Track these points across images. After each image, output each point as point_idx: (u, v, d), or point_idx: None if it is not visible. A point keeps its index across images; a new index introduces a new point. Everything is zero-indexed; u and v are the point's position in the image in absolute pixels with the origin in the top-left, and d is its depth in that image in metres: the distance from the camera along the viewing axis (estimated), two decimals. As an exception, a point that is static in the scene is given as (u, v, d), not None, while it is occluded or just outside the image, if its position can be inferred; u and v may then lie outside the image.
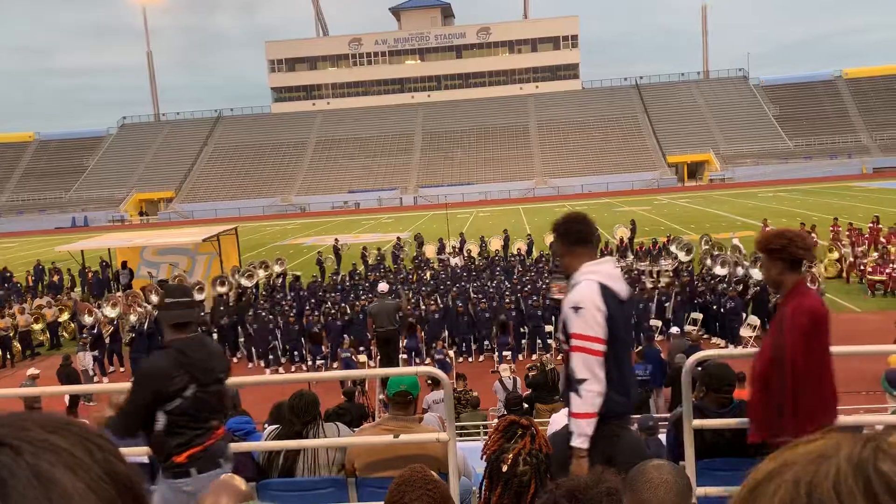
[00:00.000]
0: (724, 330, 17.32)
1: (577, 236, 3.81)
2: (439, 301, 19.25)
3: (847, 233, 26.92)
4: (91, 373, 17.52)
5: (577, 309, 3.59)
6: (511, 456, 2.19)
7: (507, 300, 18.65)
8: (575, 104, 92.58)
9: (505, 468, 2.18)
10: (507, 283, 21.51)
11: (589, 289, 3.62)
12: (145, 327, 18.75)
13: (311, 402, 4.76)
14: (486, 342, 18.23)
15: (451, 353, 17.40)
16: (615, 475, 1.64)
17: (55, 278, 29.98)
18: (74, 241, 33.14)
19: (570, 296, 3.71)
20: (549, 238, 29.82)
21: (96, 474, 0.59)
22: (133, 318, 18.41)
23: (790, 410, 3.69)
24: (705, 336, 17.43)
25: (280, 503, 4.32)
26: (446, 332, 18.38)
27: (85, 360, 17.27)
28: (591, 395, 3.50)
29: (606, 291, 3.62)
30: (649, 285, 20.10)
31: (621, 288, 3.74)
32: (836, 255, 24.24)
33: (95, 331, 17.83)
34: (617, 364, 3.63)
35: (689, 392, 4.22)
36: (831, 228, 27.36)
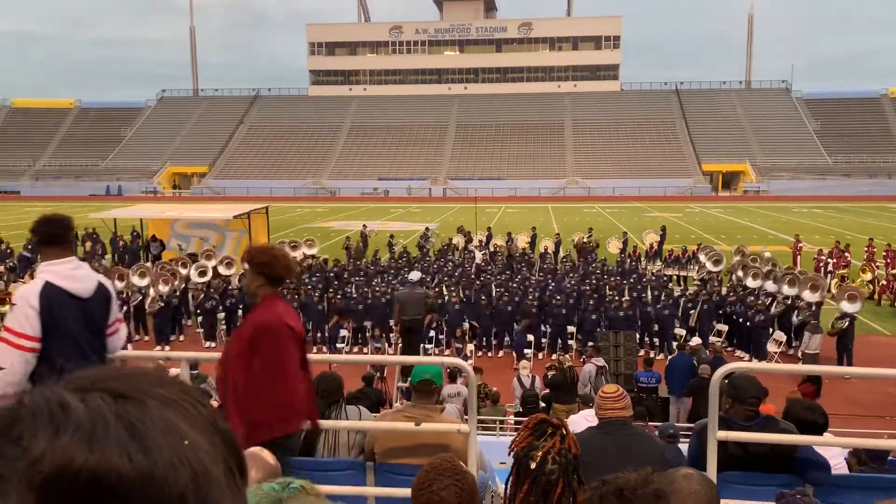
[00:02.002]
0: (751, 343, 17.09)
1: (44, 237, 3.98)
2: (461, 293, 19.26)
3: (884, 254, 26.40)
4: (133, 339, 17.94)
5: (12, 305, 3.83)
6: (540, 454, 2.18)
7: (531, 297, 18.59)
8: (612, 105, 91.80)
9: (533, 466, 2.17)
10: (531, 279, 21.43)
11: (30, 287, 3.85)
12: (174, 299, 19.01)
13: (336, 384, 4.79)
14: (507, 338, 18.19)
15: (472, 346, 17.41)
16: (661, 476, 1.63)
17: (87, 244, 30.45)
18: (107, 209, 33.63)
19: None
20: (577, 237, 29.70)
21: (207, 428, 0.61)
22: (164, 288, 18.65)
23: (235, 420, 3.79)
24: (729, 348, 17.23)
25: (298, 482, 4.34)
26: (466, 325, 18.38)
27: None
28: (2, 382, 3.71)
29: (52, 290, 3.80)
30: (676, 293, 19.92)
31: (80, 287, 3.91)
32: (868, 276, 23.80)
33: (124, 296, 18.11)
34: (64, 358, 3.79)
35: (716, 403, 4.17)
36: (866, 249, 26.85)
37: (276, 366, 3.96)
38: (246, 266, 4.09)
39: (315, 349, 17.96)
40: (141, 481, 0.54)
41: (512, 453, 2.27)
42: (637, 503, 1.52)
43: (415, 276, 16.12)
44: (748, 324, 17.09)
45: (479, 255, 26.64)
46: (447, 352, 17.31)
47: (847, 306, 16.12)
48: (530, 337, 17.18)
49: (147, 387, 0.60)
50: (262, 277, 4.00)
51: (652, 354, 16.63)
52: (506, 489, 2.23)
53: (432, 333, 17.57)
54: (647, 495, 1.52)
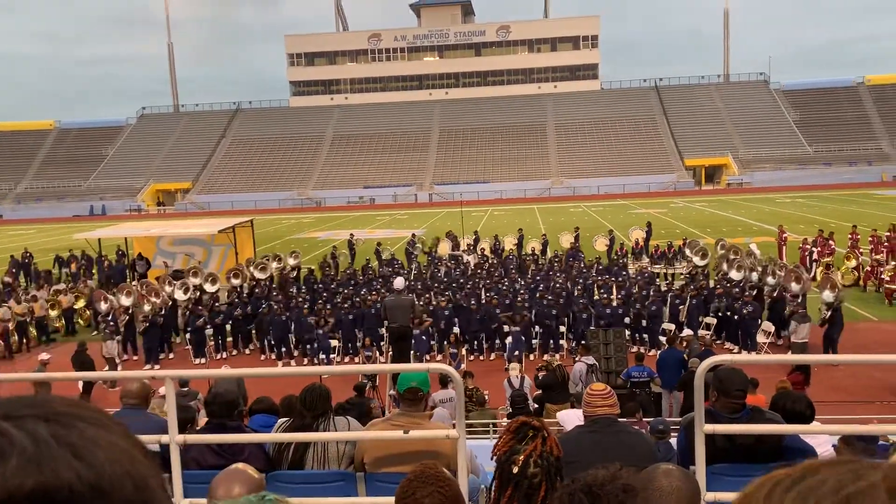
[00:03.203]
0: (741, 335, 17.18)
1: None
2: (452, 298, 19.25)
3: (870, 239, 26.66)
4: (117, 360, 17.77)
5: None
6: (522, 458, 2.18)
7: (520, 299, 18.60)
8: (593, 104, 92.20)
9: (516, 469, 2.17)
10: (520, 281, 21.46)
11: None
12: (159, 317, 18.89)
13: (323, 395, 4.78)
14: (497, 341, 18.19)
15: (463, 350, 17.39)
16: (630, 472, 1.64)
17: (72, 266, 30.25)
18: (92, 229, 33.39)
19: None
20: (565, 238, 29.79)
21: (136, 444, 0.66)
22: (147, 307, 18.54)
23: None
24: (718, 341, 17.32)
25: (289, 495, 4.33)
26: (457, 329, 18.37)
27: (111, 348, 17.42)
28: None
29: None
30: (664, 288, 20.00)
31: None
32: (853, 263, 24.01)
33: (110, 318, 17.99)
34: None
35: (701, 396, 4.18)
36: (850, 236, 27.09)
37: None
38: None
39: (306, 361, 17.90)
40: (90, 494, 0.57)
41: (494, 458, 2.27)
42: (605, 499, 1.53)
43: (399, 283, 16.08)
44: (736, 317, 17.17)
45: (468, 259, 26.64)
46: (439, 357, 17.28)
47: (828, 296, 16.22)
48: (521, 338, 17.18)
49: (69, 409, 0.63)
50: None
51: (642, 350, 16.70)
52: (488, 494, 2.24)
53: (424, 338, 17.55)
54: (615, 491, 1.53)
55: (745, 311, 17.01)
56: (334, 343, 17.86)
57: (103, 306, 18.40)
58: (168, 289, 20.29)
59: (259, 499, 1.47)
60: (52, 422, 0.61)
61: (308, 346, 18.08)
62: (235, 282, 21.21)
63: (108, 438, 0.62)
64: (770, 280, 17.76)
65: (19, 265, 30.92)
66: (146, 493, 0.61)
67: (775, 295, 17.66)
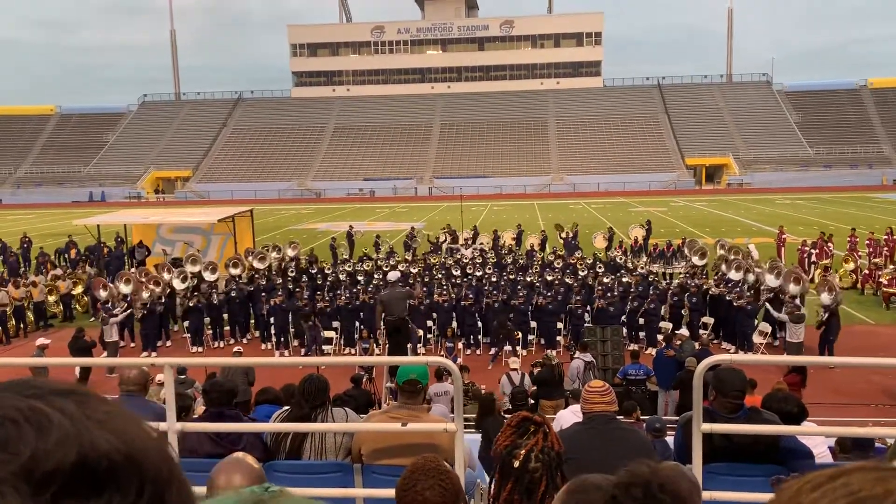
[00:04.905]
0: (737, 335, 17.21)
1: None
2: (450, 291, 19.23)
3: (868, 242, 26.66)
4: (120, 344, 17.99)
5: None
6: (523, 452, 2.19)
7: (519, 294, 18.60)
8: (595, 101, 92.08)
9: (517, 464, 2.17)
10: (520, 277, 21.41)
11: None
12: (158, 305, 18.89)
13: (321, 386, 4.78)
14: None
15: (460, 345, 17.41)
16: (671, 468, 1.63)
17: (72, 252, 30.22)
18: (91, 215, 33.35)
19: None
20: (598, 241, 29.70)
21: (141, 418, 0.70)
22: (146, 295, 18.52)
23: None
24: (715, 340, 17.33)
25: (286, 485, 4.33)
26: (455, 324, 18.36)
27: (112, 333, 17.42)
28: None
29: None
30: (662, 286, 20.00)
31: None
32: (851, 265, 24.02)
33: (110, 305, 17.98)
34: None
35: (699, 395, 4.19)
36: (848, 239, 27.11)
37: None
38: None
39: (303, 352, 17.89)
40: (125, 463, 0.60)
41: (494, 452, 2.27)
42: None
43: (394, 275, 16.10)
44: (735, 304, 17.19)
45: (466, 253, 26.60)
46: (442, 352, 17.27)
47: (825, 298, 16.21)
48: (517, 333, 17.20)
49: (74, 388, 0.66)
50: None
51: (637, 348, 16.71)
52: (489, 488, 2.24)
53: (420, 333, 17.54)
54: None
55: (737, 303, 17.07)
56: (332, 334, 17.85)
57: (103, 294, 18.38)
58: (167, 276, 20.27)
59: (263, 490, 1.47)
60: (73, 398, 0.63)
61: (305, 337, 18.05)
62: (234, 271, 21.17)
63: (123, 412, 0.65)
64: (770, 280, 17.72)
65: (6, 250, 30.91)
66: (171, 463, 0.65)
67: (772, 295, 17.65)
